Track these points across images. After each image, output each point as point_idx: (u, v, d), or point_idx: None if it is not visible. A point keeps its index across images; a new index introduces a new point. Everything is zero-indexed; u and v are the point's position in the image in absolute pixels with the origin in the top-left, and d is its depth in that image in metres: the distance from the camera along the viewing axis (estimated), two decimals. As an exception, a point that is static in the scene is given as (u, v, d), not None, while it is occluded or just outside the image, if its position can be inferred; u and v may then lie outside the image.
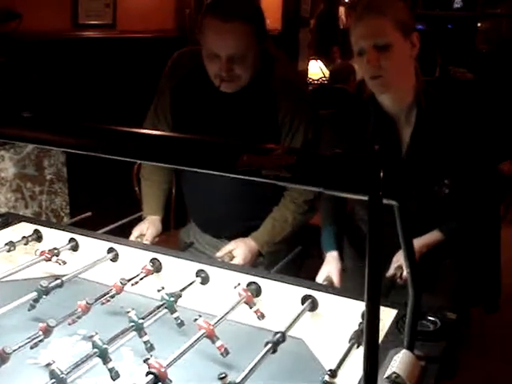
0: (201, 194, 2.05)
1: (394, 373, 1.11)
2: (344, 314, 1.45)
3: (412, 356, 1.18)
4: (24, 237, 1.88)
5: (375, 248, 0.89)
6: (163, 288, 1.47)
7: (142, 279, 1.60)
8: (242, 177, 0.95)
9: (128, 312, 1.39)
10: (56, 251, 1.76)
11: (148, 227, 2.00)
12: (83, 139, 1.12)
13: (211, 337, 1.28)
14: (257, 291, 1.53)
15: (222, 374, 1.08)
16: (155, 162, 1.04)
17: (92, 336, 1.33)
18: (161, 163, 1.06)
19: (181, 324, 1.42)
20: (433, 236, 1.75)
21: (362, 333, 1.28)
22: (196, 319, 1.29)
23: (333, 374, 1.14)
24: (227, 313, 1.40)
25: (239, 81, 1.83)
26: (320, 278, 1.77)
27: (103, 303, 1.49)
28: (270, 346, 1.24)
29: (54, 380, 1.10)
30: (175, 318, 1.43)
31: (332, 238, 1.89)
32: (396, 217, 0.91)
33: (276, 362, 1.30)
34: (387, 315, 1.38)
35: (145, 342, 1.32)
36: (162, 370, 1.09)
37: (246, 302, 1.47)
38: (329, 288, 1.54)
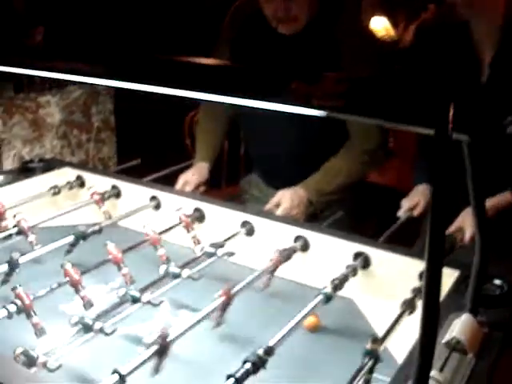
0: (265, 144, 1.98)
1: (454, 338, 0.98)
2: (399, 274, 1.32)
3: (475, 321, 1.06)
4: (68, 182, 1.84)
5: (440, 195, 0.76)
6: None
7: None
8: (292, 110, 0.83)
9: (166, 261, 1.32)
10: (107, 194, 1.72)
11: (193, 174, 1.92)
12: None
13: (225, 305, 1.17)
14: (304, 245, 1.43)
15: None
16: (194, 91, 0.92)
17: (127, 284, 1.28)
18: (202, 92, 0.93)
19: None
20: (504, 197, 1.61)
21: (414, 298, 1.17)
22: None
23: (376, 341, 1.02)
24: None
25: (296, 22, 1.79)
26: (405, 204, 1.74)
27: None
28: (315, 302, 1.14)
29: (81, 326, 1.03)
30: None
31: (424, 171, 1.84)
32: (465, 157, 0.77)
33: (323, 321, 1.22)
34: (448, 276, 1.25)
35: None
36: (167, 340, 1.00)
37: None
38: (384, 245, 1.42)
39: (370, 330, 1.23)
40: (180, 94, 0.97)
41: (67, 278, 1.20)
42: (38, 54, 1.18)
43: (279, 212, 1.69)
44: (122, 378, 0.91)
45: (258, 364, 0.93)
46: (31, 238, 1.44)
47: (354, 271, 1.30)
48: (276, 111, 0.89)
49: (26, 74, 1.20)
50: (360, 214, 2.03)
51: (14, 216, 1.48)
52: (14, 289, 1.12)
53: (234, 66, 0.95)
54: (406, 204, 1.77)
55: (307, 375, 1.10)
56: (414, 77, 0.97)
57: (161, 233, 1.44)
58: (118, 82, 1.05)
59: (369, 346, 0.99)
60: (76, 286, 1.20)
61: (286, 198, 1.74)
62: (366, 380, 0.96)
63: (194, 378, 1.06)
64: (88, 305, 1.22)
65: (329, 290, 1.18)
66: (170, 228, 1.51)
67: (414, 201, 1.77)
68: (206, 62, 0.93)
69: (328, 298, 1.17)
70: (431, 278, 0.75)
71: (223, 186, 2.92)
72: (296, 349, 1.13)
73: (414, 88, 0.76)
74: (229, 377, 0.89)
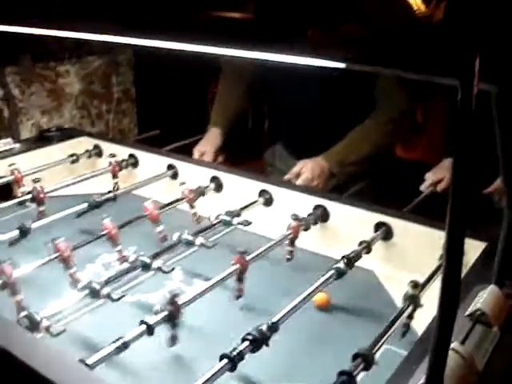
0: (291, 114, 1.92)
1: (478, 310, 0.93)
2: (422, 245, 1.26)
3: (500, 293, 0.99)
4: (86, 151, 1.81)
5: (463, 156, 0.69)
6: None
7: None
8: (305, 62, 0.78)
9: (181, 231, 1.28)
10: (124, 163, 1.70)
11: (205, 144, 1.88)
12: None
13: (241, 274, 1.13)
14: (324, 215, 1.38)
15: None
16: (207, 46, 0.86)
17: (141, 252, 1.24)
18: (216, 47, 0.88)
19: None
20: None
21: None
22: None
23: (417, 286, 1.02)
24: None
25: None
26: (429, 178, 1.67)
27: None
28: (332, 272, 1.09)
29: (88, 291, 1.00)
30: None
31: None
32: (493, 107, 0.71)
33: (341, 293, 1.17)
34: (475, 249, 1.19)
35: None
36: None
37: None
38: (407, 215, 1.36)
39: (391, 302, 1.18)
40: (203, 50, 0.91)
41: (58, 254, 1.15)
42: (57, 13, 1.14)
43: (299, 182, 1.64)
44: (150, 328, 0.90)
45: (260, 341, 0.88)
46: (42, 207, 1.43)
47: (367, 247, 1.23)
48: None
49: (46, 36, 1.15)
50: (384, 188, 1.96)
51: (35, 180, 1.47)
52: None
53: (254, 17, 0.88)
54: (429, 178, 1.69)
55: (323, 348, 1.05)
56: (439, 25, 0.90)
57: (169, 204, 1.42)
58: (138, 39, 0.99)
59: (410, 290, 1.00)
60: (67, 262, 1.16)
61: (307, 168, 1.68)
62: (405, 324, 0.98)
63: (207, 347, 1.02)
64: (75, 283, 1.15)
65: (341, 265, 1.12)
66: (171, 203, 1.46)
67: (439, 175, 1.69)
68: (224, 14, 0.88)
69: (340, 274, 1.11)
70: (452, 247, 0.69)
71: (246, 161, 2.87)
72: (313, 319, 1.09)
73: (439, 37, 0.70)
74: (222, 357, 0.84)
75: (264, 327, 0.90)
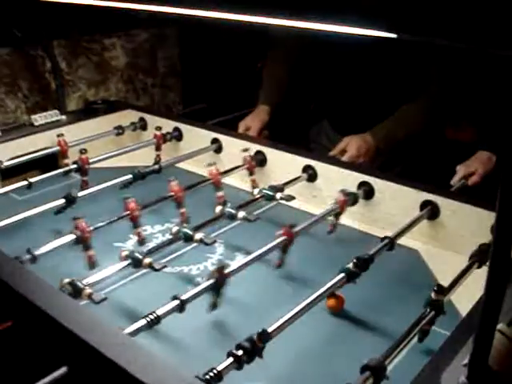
0: (338, 90, 1.88)
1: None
2: (469, 226, 1.23)
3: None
4: (132, 123, 1.83)
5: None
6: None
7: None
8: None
9: (223, 203, 1.28)
10: (168, 136, 1.72)
11: (253, 119, 1.86)
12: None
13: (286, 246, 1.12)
14: (368, 193, 1.35)
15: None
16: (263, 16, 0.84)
17: (183, 223, 1.25)
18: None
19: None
20: None
21: (485, 251, 1.07)
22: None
23: (441, 290, 0.93)
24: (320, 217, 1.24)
25: None
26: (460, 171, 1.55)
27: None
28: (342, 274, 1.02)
29: (130, 261, 1.00)
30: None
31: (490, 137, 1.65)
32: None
33: (384, 273, 1.14)
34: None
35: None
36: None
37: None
38: (455, 194, 1.32)
39: (435, 283, 1.15)
40: (251, 20, 0.89)
41: (127, 212, 1.19)
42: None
43: (345, 159, 1.60)
44: (182, 304, 0.89)
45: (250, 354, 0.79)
46: (86, 177, 1.45)
47: (390, 244, 1.13)
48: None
49: (93, 8, 1.15)
50: (432, 168, 1.92)
51: (82, 151, 1.49)
52: (75, 219, 1.12)
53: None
54: (461, 171, 1.55)
55: (362, 323, 1.04)
56: None
57: (222, 173, 1.41)
58: (185, 9, 0.98)
59: (433, 295, 0.92)
60: (135, 220, 1.20)
61: (353, 145, 1.64)
62: (424, 331, 0.89)
63: (246, 319, 1.01)
64: (142, 242, 1.20)
65: (351, 266, 1.01)
66: (232, 169, 1.47)
67: (471, 168, 1.56)
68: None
69: (350, 276, 1.00)
70: (502, 226, 0.66)
71: (291, 138, 2.85)
72: (358, 294, 1.07)
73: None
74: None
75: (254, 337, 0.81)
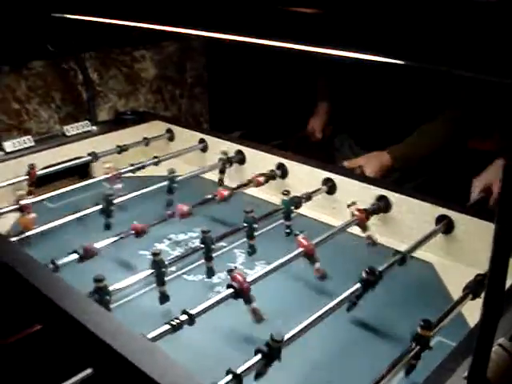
0: (359, 107, 1.94)
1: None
2: (483, 240, 1.26)
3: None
4: (160, 135, 1.89)
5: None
6: (288, 192, 1.38)
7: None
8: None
9: (248, 212, 1.31)
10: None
11: (314, 121, 2.08)
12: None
13: (310, 256, 1.15)
14: (385, 206, 1.39)
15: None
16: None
17: (205, 232, 1.29)
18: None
19: (289, 234, 1.33)
20: None
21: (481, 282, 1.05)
22: (297, 234, 1.16)
23: (428, 326, 0.89)
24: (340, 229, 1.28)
25: None
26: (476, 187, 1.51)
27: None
28: (387, 264, 1.10)
29: (153, 270, 1.06)
30: (287, 226, 1.34)
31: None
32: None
33: (398, 285, 1.18)
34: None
35: (250, 246, 1.25)
36: (245, 285, 0.99)
37: (358, 224, 1.32)
38: (468, 209, 1.35)
39: (447, 297, 1.18)
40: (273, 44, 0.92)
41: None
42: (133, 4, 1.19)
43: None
44: (191, 318, 0.92)
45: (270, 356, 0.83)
46: (118, 186, 1.51)
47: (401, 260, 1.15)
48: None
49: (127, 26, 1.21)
50: (453, 180, 1.94)
51: (108, 167, 1.54)
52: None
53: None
54: (477, 187, 1.50)
55: (375, 335, 1.08)
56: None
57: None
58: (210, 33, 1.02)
59: (419, 330, 0.89)
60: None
61: (369, 167, 1.69)
62: (411, 365, 0.88)
63: (271, 327, 1.06)
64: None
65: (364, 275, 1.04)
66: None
67: (486, 182, 1.50)
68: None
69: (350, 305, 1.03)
70: (499, 242, 0.68)
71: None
72: (372, 306, 1.10)
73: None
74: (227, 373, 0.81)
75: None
